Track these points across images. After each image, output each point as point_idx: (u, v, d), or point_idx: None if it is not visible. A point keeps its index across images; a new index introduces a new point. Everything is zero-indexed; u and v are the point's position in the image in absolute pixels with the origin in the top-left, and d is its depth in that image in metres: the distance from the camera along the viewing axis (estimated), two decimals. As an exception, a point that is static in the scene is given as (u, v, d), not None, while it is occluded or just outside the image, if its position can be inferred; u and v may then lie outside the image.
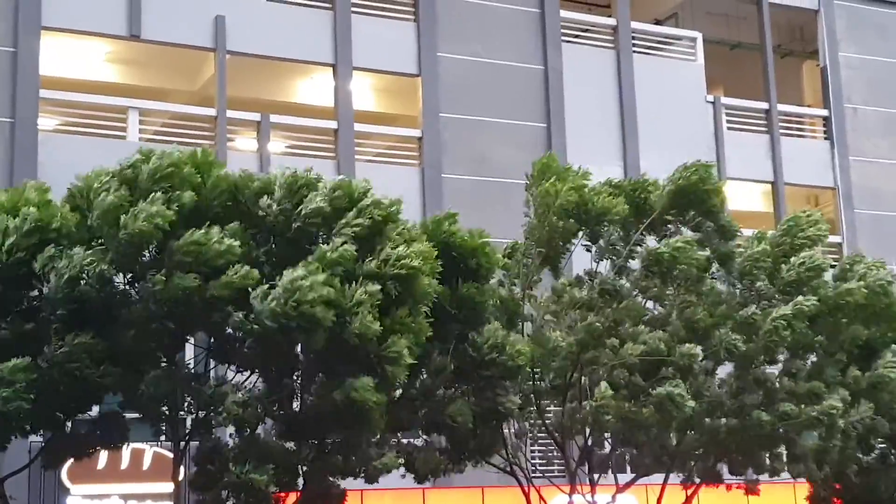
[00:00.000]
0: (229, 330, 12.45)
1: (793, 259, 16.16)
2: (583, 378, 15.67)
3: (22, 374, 11.52)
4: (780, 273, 16.13)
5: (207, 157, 12.51)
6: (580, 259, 16.66)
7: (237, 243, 11.74)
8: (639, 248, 16.13)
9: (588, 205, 15.55)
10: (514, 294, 15.79)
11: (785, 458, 17.14)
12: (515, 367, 13.65)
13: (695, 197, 15.90)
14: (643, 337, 15.32)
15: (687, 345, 15.40)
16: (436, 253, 12.54)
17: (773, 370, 16.86)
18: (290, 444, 13.09)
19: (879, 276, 16.78)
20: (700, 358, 15.46)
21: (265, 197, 12.34)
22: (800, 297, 15.62)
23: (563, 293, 15.80)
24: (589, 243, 16.31)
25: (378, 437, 13.51)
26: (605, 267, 16.30)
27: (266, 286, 11.54)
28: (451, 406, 13.68)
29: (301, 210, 12.08)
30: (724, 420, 16.15)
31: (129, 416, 13.32)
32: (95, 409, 13.30)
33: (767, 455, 17.07)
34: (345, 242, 11.84)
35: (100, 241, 11.91)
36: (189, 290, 11.47)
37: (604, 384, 14.91)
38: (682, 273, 15.53)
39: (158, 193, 11.62)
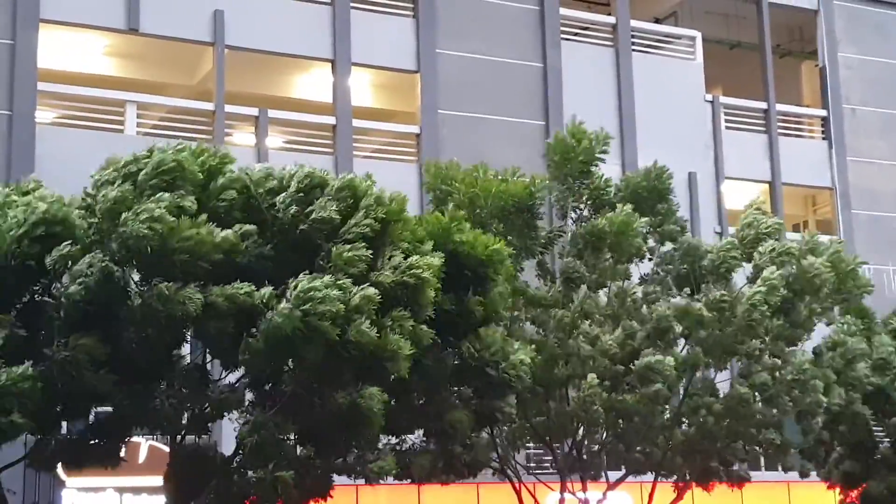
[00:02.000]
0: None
1: (761, 248, 16.27)
2: (560, 371, 15.74)
3: (27, 384, 11.43)
4: (753, 261, 16.27)
5: (220, 158, 12.34)
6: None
7: (231, 233, 11.65)
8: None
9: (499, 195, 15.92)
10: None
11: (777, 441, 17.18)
12: (516, 378, 13.62)
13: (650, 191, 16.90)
14: (618, 330, 15.48)
15: (659, 307, 15.60)
16: (442, 261, 12.46)
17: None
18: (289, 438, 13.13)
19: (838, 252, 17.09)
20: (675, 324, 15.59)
21: (280, 196, 12.24)
22: (765, 273, 15.75)
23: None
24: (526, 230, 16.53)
25: (375, 439, 13.53)
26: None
27: (271, 289, 11.47)
28: (450, 414, 13.67)
29: (311, 215, 11.99)
30: (710, 408, 16.19)
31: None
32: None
33: (757, 436, 17.11)
34: (355, 241, 11.80)
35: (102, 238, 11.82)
36: (188, 312, 11.37)
37: (591, 376, 14.99)
38: (627, 245, 15.74)
39: (165, 194, 11.48)
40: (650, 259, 17.32)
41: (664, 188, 17.14)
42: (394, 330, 11.85)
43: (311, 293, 11.24)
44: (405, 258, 12.16)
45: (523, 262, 16.51)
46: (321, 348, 11.44)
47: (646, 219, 16.51)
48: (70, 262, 11.71)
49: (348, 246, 11.81)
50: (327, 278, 11.45)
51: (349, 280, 11.59)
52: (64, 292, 11.64)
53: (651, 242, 17.19)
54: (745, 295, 15.70)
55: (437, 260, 12.34)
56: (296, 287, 11.39)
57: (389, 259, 12.11)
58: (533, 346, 14.70)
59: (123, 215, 11.37)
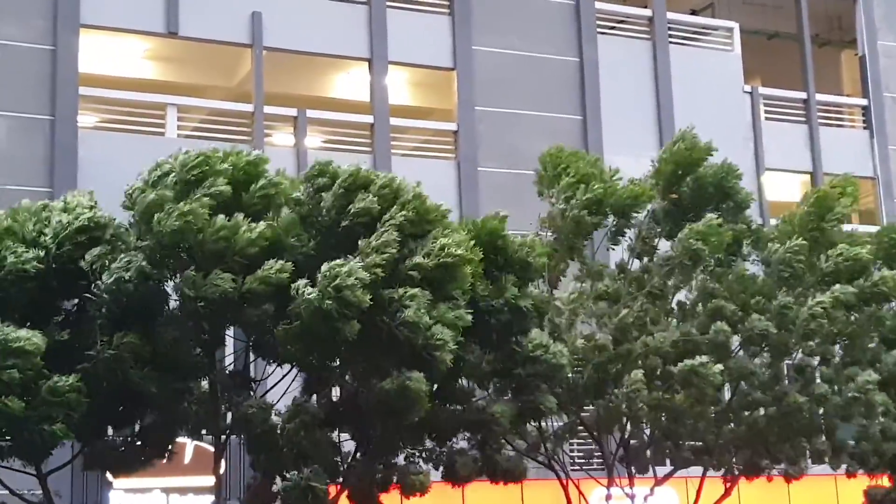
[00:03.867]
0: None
1: (830, 251, 16.07)
2: (616, 371, 15.67)
3: (73, 395, 11.59)
4: (819, 263, 16.05)
5: (252, 160, 12.47)
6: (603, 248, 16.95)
7: (265, 227, 11.77)
8: (664, 241, 16.33)
9: (612, 196, 15.62)
10: (542, 292, 15.82)
11: (828, 450, 17.04)
12: (559, 366, 13.68)
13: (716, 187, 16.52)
14: (672, 328, 15.37)
15: (718, 322, 15.41)
16: (478, 249, 12.50)
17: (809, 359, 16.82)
18: (334, 434, 13.21)
19: None
20: (732, 336, 15.50)
21: (325, 195, 12.35)
22: (837, 286, 15.57)
23: (585, 281, 15.96)
24: (618, 235, 16.42)
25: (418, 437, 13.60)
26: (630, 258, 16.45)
27: (307, 280, 11.60)
28: (494, 406, 13.72)
29: (350, 209, 12.09)
30: (762, 410, 16.09)
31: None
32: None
33: (807, 445, 16.98)
34: (385, 231, 11.88)
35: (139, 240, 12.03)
36: (226, 292, 11.48)
37: (636, 372, 14.92)
38: (711, 253, 15.60)
39: (197, 192, 11.67)
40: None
41: (730, 187, 16.70)
42: (441, 321, 11.86)
43: (336, 269, 11.32)
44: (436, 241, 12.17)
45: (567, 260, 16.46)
46: (356, 324, 11.47)
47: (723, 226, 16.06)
48: (108, 262, 11.87)
49: (379, 233, 11.85)
50: (354, 261, 11.53)
51: (382, 262, 11.62)
52: (104, 289, 11.78)
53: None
54: (807, 302, 15.46)
55: (466, 238, 12.33)
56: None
57: (424, 248, 12.11)
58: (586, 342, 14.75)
59: (157, 216, 11.57)
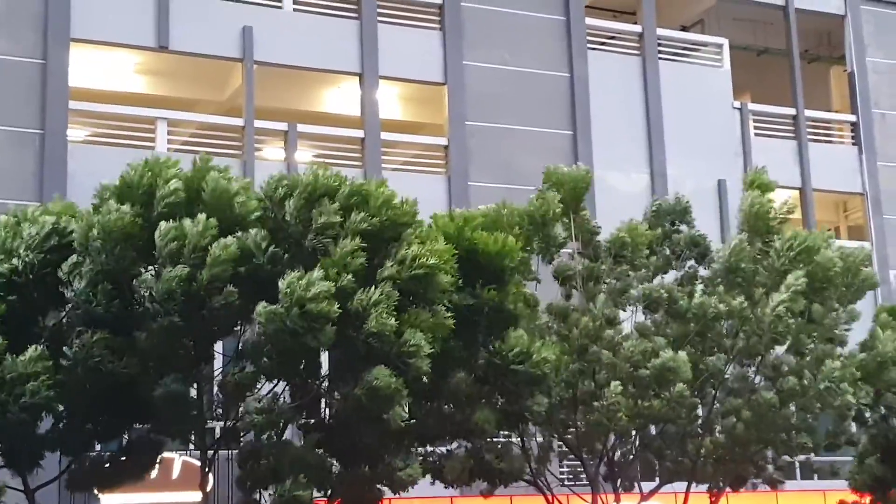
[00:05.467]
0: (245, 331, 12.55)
1: (777, 244, 15.99)
2: (588, 382, 15.74)
3: (39, 364, 11.67)
4: (772, 262, 15.97)
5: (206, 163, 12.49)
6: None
7: (213, 223, 11.79)
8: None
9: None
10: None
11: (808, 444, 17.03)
12: (541, 375, 13.66)
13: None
14: (636, 343, 15.47)
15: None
16: (454, 253, 12.47)
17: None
18: (320, 451, 13.14)
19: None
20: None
21: (287, 203, 12.34)
22: (789, 279, 15.43)
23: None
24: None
25: (404, 444, 13.52)
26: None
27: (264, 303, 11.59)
28: (477, 413, 13.67)
29: (313, 225, 12.07)
30: (738, 414, 16.11)
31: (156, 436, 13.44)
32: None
33: (787, 442, 16.99)
34: (353, 242, 11.87)
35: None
36: (181, 280, 11.47)
37: (614, 383, 14.94)
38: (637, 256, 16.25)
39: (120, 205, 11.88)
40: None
41: (683, 209, 17.66)
42: (413, 326, 11.85)
43: (293, 285, 11.33)
44: (409, 249, 12.12)
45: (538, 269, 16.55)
46: (332, 331, 11.44)
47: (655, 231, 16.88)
48: (81, 271, 11.99)
49: (344, 244, 11.83)
50: (317, 272, 11.49)
51: (351, 277, 11.61)
52: (79, 293, 11.91)
53: (668, 252, 17.35)
54: (768, 304, 15.44)
55: (447, 248, 12.25)
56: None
57: (395, 255, 12.08)
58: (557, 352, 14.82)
59: (94, 218, 11.83)
